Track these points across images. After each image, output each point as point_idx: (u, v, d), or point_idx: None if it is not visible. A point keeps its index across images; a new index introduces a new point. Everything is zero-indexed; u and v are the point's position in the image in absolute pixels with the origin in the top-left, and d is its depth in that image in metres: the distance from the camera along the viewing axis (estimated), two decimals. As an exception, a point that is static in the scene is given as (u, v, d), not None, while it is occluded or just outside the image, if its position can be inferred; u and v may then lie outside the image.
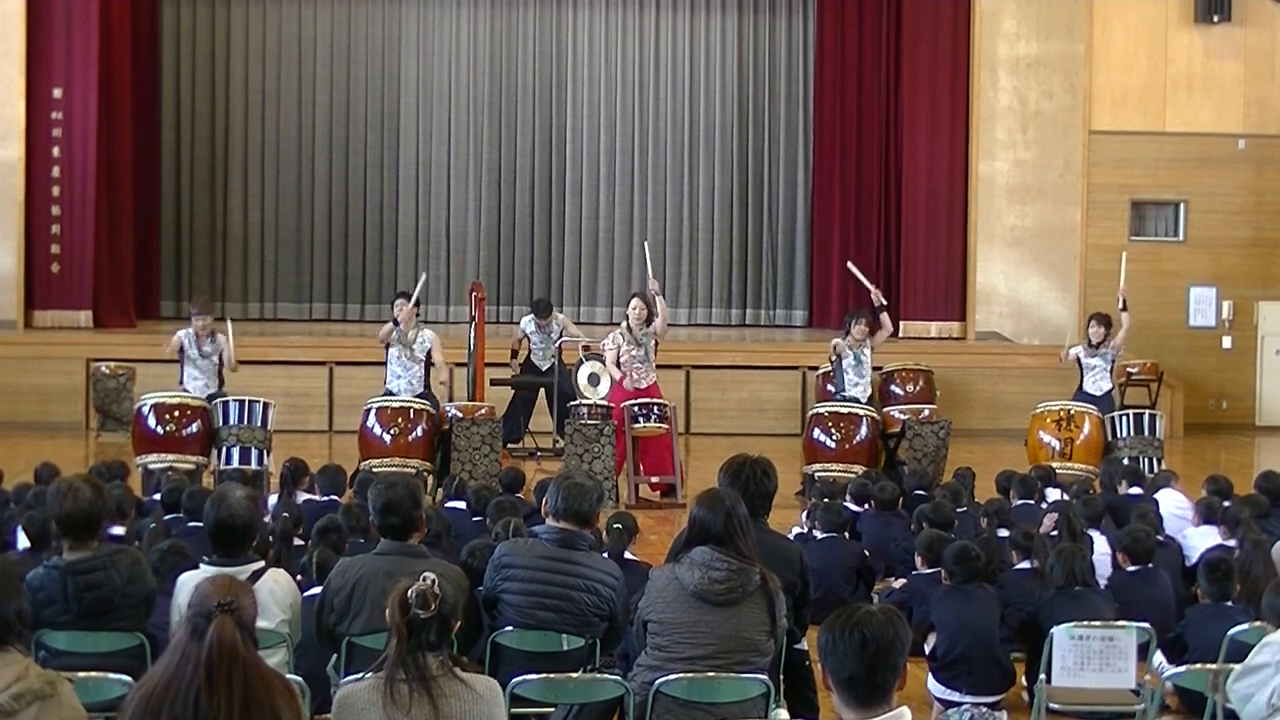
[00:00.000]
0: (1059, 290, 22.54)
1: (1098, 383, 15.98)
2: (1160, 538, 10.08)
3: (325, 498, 11.11)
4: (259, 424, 14.25)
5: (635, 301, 15.83)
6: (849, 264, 17.78)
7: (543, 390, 18.13)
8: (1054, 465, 14.61)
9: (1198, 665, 7.52)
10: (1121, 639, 7.84)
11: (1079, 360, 16.17)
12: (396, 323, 15.31)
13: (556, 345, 17.99)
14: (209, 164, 24.31)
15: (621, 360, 15.62)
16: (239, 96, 24.36)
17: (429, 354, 15.37)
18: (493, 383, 17.63)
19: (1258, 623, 7.47)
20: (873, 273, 23.43)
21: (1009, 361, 21.52)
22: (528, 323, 18.09)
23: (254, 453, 14.14)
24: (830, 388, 16.72)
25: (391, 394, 15.17)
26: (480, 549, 7.83)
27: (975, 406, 20.67)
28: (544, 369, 18.08)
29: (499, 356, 18.15)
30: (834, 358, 16.06)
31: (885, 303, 16.34)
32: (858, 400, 15.69)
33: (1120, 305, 16.37)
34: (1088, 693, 7.88)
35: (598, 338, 17.01)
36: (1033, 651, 8.44)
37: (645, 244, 18.31)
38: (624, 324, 15.77)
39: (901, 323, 22.93)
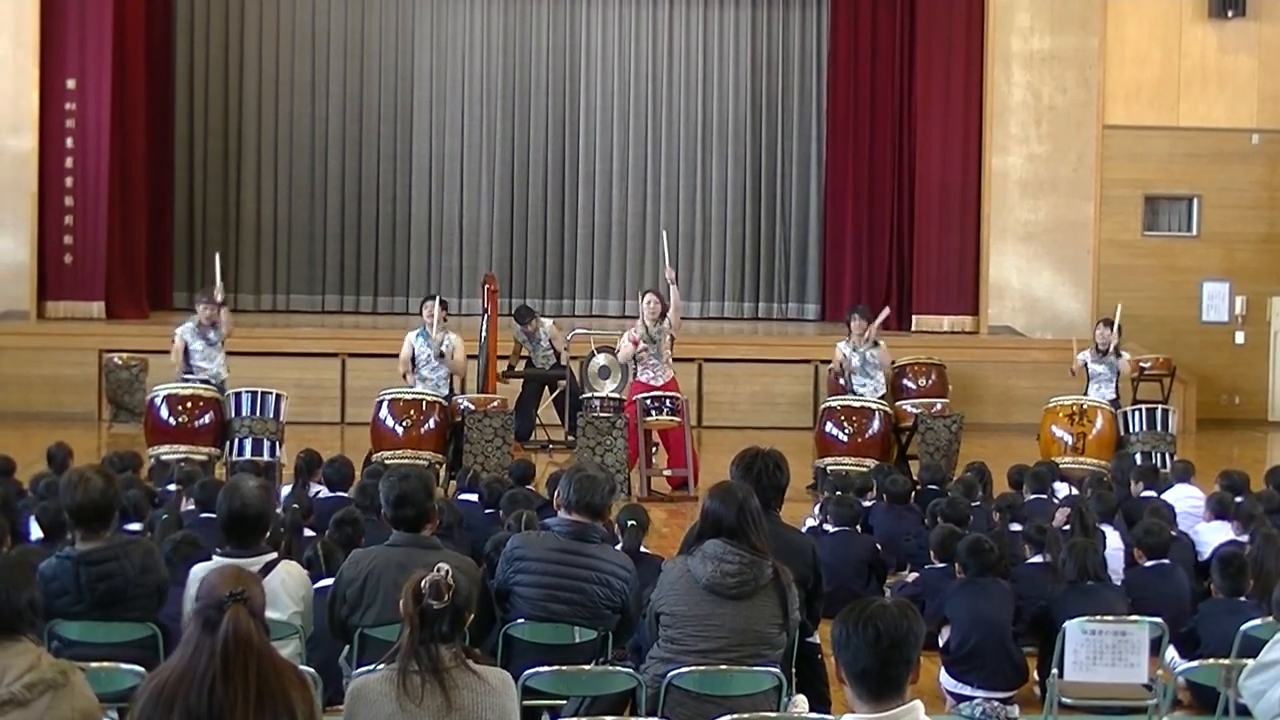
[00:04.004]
0: (1072, 285, 22.49)
1: (1101, 390, 15.94)
2: (1172, 533, 10.07)
3: (333, 493, 11.10)
4: (271, 415, 14.22)
5: (649, 296, 15.74)
6: (663, 232, 17.89)
7: (546, 386, 18.23)
8: (1066, 460, 14.63)
9: (1210, 660, 7.51)
10: (1134, 634, 7.83)
11: (1085, 365, 16.16)
12: (421, 330, 15.17)
13: (550, 349, 18.05)
14: (222, 155, 24.33)
15: (638, 357, 15.56)
16: (252, 88, 24.37)
17: (454, 353, 15.23)
18: (503, 375, 17.66)
19: (1270, 618, 7.47)
20: (885, 267, 23.54)
21: (1021, 356, 21.50)
22: (518, 332, 18.13)
23: (266, 444, 14.11)
24: (840, 381, 16.64)
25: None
26: (503, 542, 7.82)
27: (987, 401, 20.65)
28: (545, 369, 18.13)
29: (511, 349, 18.23)
30: (837, 369, 16.08)
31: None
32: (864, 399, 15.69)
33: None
34: (1100, 687, 7.88)
35: (609, 330, 17.01)
36: (1045, 646, 8.44)
37: (664, 232, 18.15)
38: (640, 320, 15.67)
39: (914, 317, 23.00)
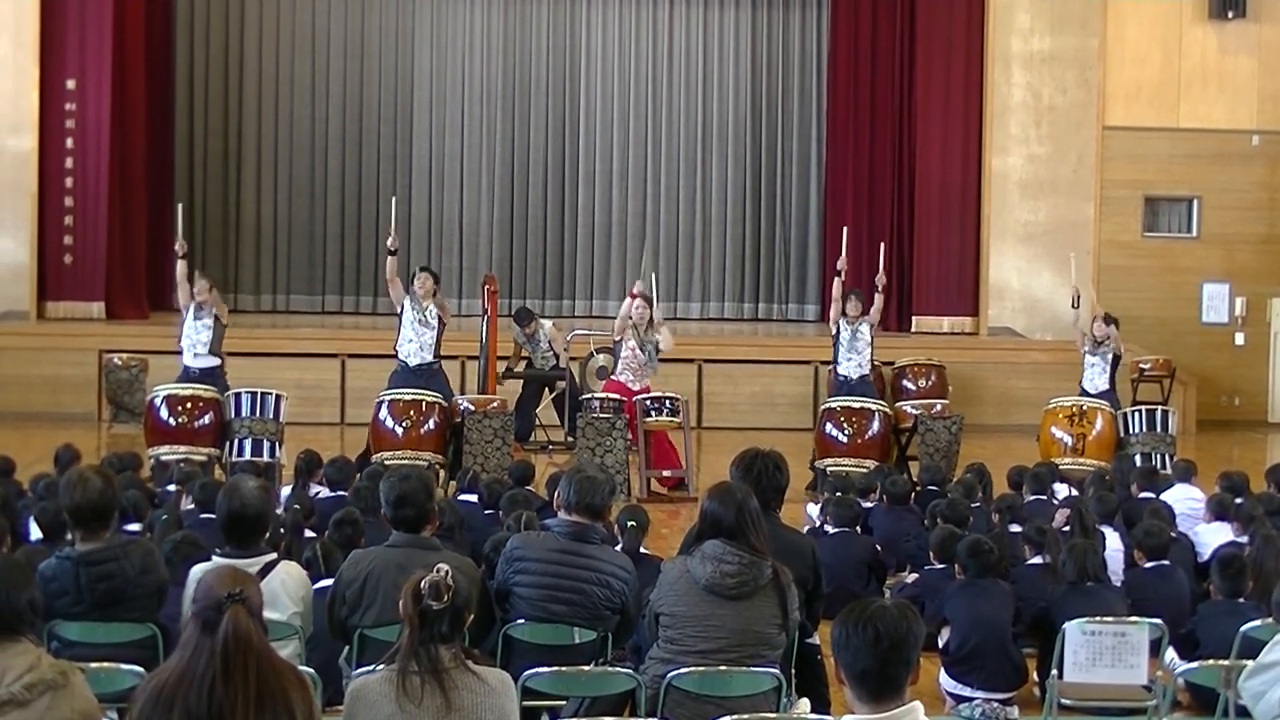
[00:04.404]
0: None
1: (1094, 381, 15.94)
2: (1172, 534, 10.07)
3: (333, 494, 11.10)
4: (271, 416, 14.22)
5: (639, 302, 15.73)
6: (651, 275, 17.57)
7: (545, 387, 18.21)
8: (1065, 461, 14.63)
9: (1210, 661, 7.50)
10: (1134, 635, 7.83)
11: (1083, 355, 16.17)
12: (410, 292, 15.09)
13: (549, 351, 18.00)
14: (222, 155, 24.34)
15: (624, 355, 15.59)
16: (252, 88, 24.38)
17: (439, 319, 15.13)
18: (503, 376, 17.65)
19: (1269, 619, 7.46)
20: (886, 267, 23.48)
21: (1021, 357, 21.51)
22: (518, 333, 18.09)
23: (266, 444, 14.11)
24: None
25: (403, 361, 14.98)
26: (502, 543, 7.82)
27: (987, 402, 20.65)
28: (545, 370, 18.10)
29: (511, 350, 18.21)
30: (833, 331, 16.11)
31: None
32: (848, 378, 15.70)
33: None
34: (1100, 688, 7.88)
35: (609, 331, 17.00)
36: (1045, 647, 8.44)
37: (652, 275, 17.82)
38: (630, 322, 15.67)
39: (914, 318, 23.02)
